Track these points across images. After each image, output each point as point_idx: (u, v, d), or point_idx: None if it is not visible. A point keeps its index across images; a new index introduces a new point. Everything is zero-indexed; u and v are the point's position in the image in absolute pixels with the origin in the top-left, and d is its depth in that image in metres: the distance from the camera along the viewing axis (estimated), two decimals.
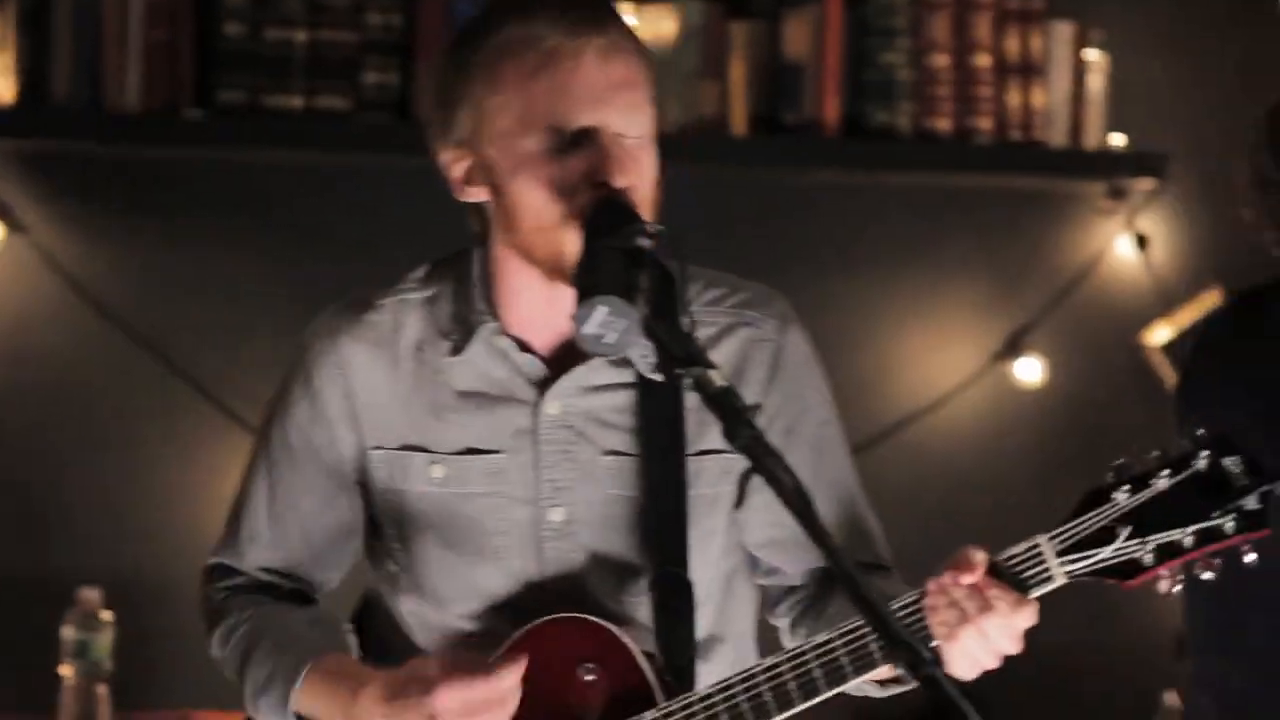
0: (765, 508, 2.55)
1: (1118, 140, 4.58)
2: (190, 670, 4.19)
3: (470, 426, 2.50)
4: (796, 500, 2.09)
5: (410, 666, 2.43)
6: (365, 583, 2.68)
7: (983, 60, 4.46)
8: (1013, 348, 4.65)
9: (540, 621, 2.47)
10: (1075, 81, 4.53)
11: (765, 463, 2.11)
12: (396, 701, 2.40)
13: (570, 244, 2.38)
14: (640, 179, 2.43)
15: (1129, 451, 2.37)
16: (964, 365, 4.66)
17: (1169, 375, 4.70)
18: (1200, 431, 2.30)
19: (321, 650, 2.52)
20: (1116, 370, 4.70)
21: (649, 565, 2.51)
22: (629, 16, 4.28)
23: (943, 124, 4.45)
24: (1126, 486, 2.29)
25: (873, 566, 2.64)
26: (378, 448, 2.53)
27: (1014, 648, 2.37)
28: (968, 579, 2.35)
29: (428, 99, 2.57)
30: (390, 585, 2.58)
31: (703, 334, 2.51)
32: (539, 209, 2.42)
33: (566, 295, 2.31)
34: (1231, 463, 2.27)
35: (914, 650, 2.02)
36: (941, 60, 4.45)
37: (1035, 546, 2.34)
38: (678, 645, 2.49)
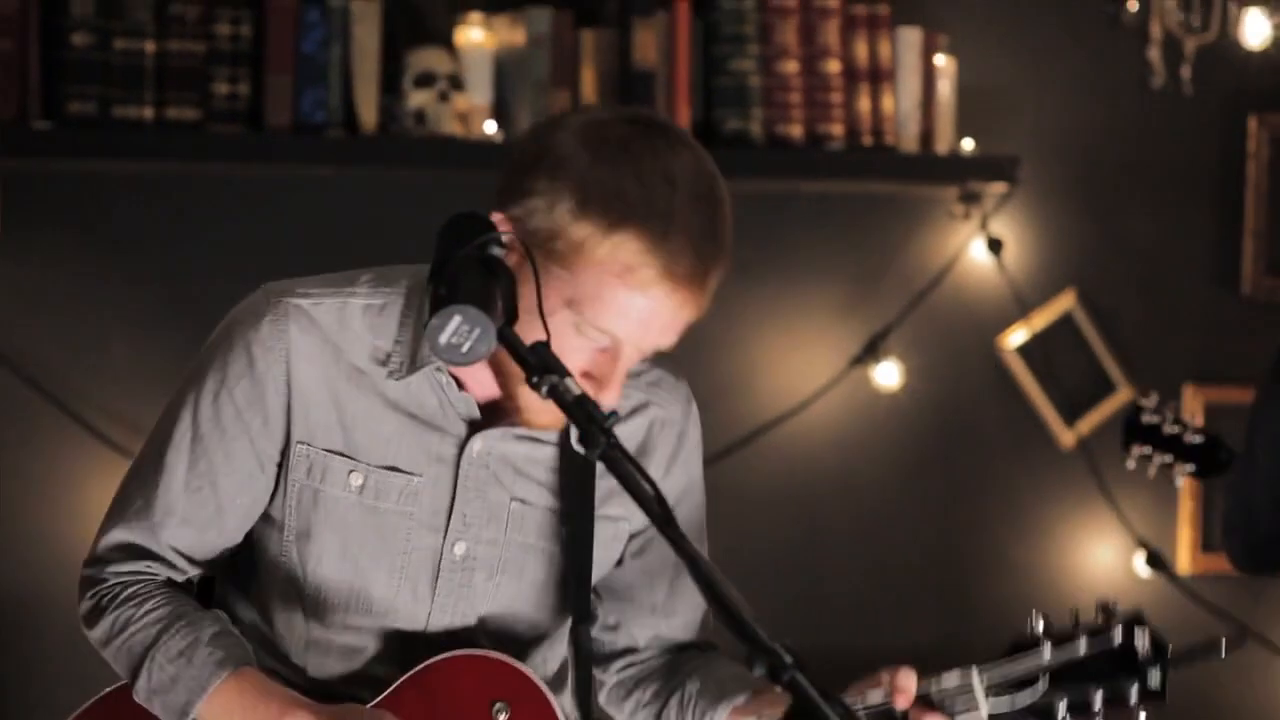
0: (642, 570, 2.63)
1: (968, 145, 4.62)
2: (44, 682, 4.15)
3: (395, 444, 2.50)
4: (654, 506, 2.12)
5: (345, 708, 2.45)
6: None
7: (832, 66, 4.49)
8: (871, 352, 4.67)
9: (452, 654, 2.48)
10: (925, 87, 4.57)
11: (622, 468, 2.13)
12: None
13: (526, 395, 2.36)
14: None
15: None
16: (822, 370, 4.68)
17: (1025, 377, 4.75)
18: (1114, 605, 2.49)
19: (232, 663, 2.49)
20: (973, 373, 4.76)
21: (540, 619, 2.56)
22: (477, 31, 4.31)
23: (795, 130, 4.47)
24: (1050, 642, 2.45)
25: (707, 646, 2.70)
26: (304, 443, 2.50)
27: None
28: (901, 703, 2.39)
29: (522, 152, 2.43)
30: (265, 575, 2.56)
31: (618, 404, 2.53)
32: (532, 336, 2.33)
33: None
34: (1141, 638, 2.45)
35: (776, 655, 2.04)
36: (791, 66, 4.47)
37: (968, 680, 2.41)
38: (586, 699, 2.55)
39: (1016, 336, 4.75)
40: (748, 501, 4.61)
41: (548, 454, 2.54)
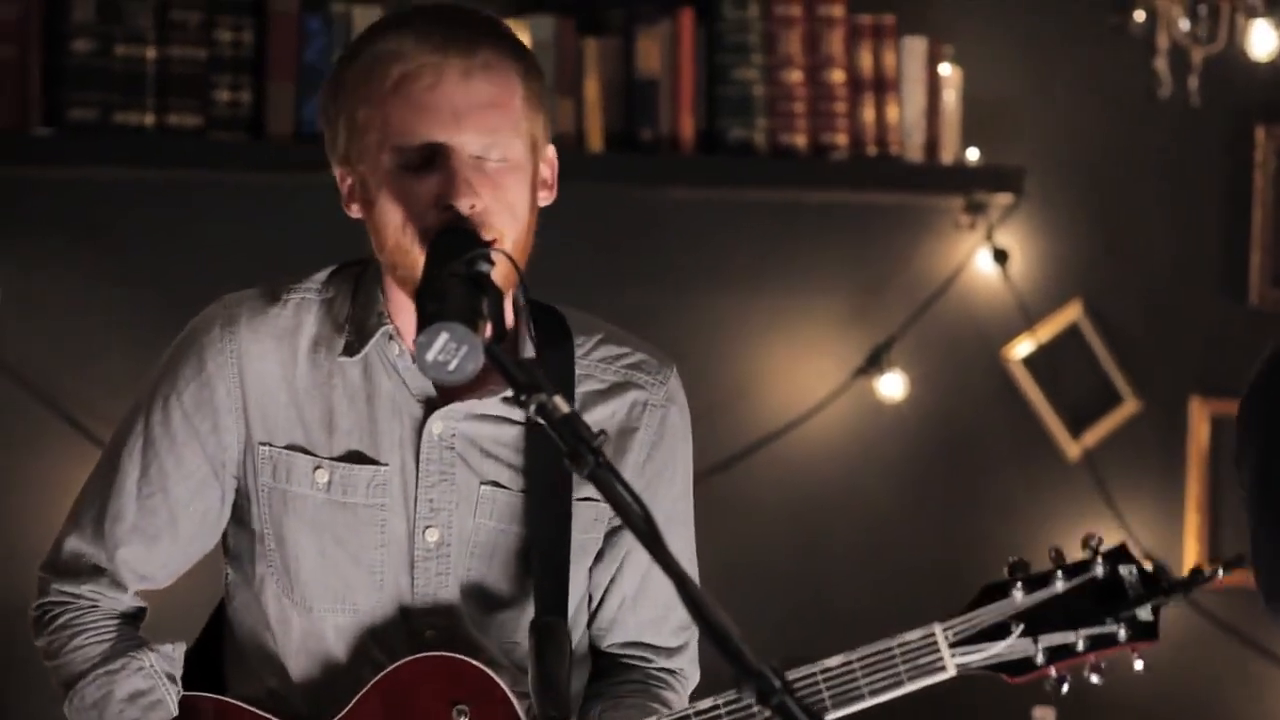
0: (613, 551, 2.58)
1: (973, 155, 4.59)
2: (45, 691, 4.13)
3: (357, 433, 2.50)
4: (643, 526, 2.08)
5: None
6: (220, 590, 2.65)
7: (837, 76, 4.47)
8: (875, 363, 4.65)
9: (412, 658, 2.46)
10: (930, 96, 4.55)
11: (611, 489, 2.10)
12: None
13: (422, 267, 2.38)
14: (497, 202, 2.40)
15: (1021, 560, 2.41)
16: (826, 381, 4.66)
17: (1030, 389, 4.72)
18: (1098, 539, 2.36)
19: None
20: (978, 384, 4.73)
21: (525, 606, 2.52)
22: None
23: (799, 140, 4.45)
24: (1022, 585, 2.34)
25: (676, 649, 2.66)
26: (265, 444, 2.51)
27: None
28: None
29: (319, 113, 2.56)
30: (258, 589, 2.55)
31: (593, 388, 2.54)
32: (396, 228, 2.42)
33: None
34: (1127, 572, 2.34)
35: (764, 678, 2.01)
36: (795, 76, 4.45)
37: (930, 635, 2.38)
38: (553, 695, 2.48)
39: (1022, 348, 4.72)
40: (751, 513, 4.58)
41: (515, 434, 2.52)
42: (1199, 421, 4.81)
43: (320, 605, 2.51)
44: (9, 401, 4.24)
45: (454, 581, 2.51)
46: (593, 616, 2.61)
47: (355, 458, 2.50)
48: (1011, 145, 4.65)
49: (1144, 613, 2.33)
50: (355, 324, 2.51)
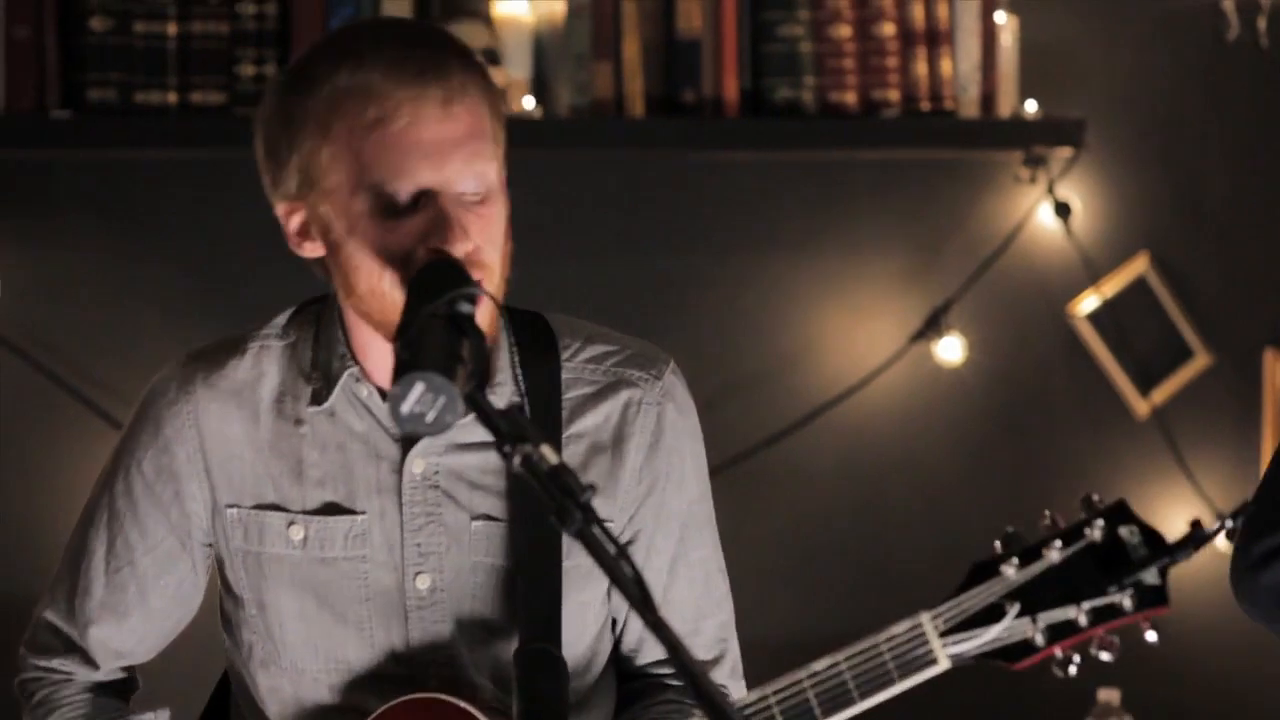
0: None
1: (1031, 107, 4.47)
2: None
3: (330, 484, 2.38)
4: (634, 590, 1.96)
5: None
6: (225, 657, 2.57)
7: (887, 29, 4.35)
8: (933, 326, 4.55)
9: (396, 702, 2.34)
10: (985, 47, 4.42)
11: (599, 550, 1.98)
12: None
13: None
14: (485, 238, 2.28)
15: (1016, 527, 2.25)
16: (882, 346, 4.56)
17: (1097, 346, 4.63)
18: (1094, 498, 2.18)
19: None
20: (1041, 344, 4.62)
21: (519, 638, 2.39)
22: (515, 3, 4.19)
23: (849, 98, 4.34)
24: (1015, 559, 2.18)
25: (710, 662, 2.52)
26: (233, 506, 2.40)
27: None
28: None
29: (257, 147, 2.42)
30: (246, 656, 2.46)
31: (581, 393, 2.41)
32: (373, 272, 2.28)
33: None
34: (1128, 532, 2.16)
35: None
36: (844, 31, 4.33)
37: (918, 626, 2.21)
38: None
39: (1087, 304, 4.61)
40: (810, 483, 4.52)
41: (501, 460, 2.39)
42: (1273, 374, 4.71)
43: (312, 668, 2.40)
44: (31, 389, 4.22)
45: (451, 627, 2.38)
46: (619, 641, 2.49)
47: (330, 509, 2.37)
48: (1071, 95, 4.53)
49: (1150, 577, 2.14)
50: (321, 369, 2.39)
